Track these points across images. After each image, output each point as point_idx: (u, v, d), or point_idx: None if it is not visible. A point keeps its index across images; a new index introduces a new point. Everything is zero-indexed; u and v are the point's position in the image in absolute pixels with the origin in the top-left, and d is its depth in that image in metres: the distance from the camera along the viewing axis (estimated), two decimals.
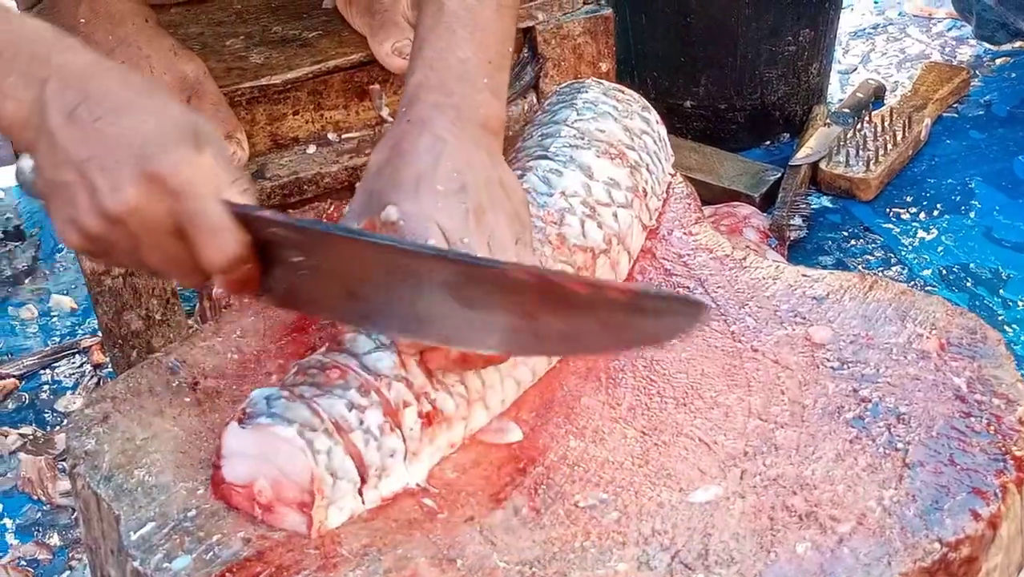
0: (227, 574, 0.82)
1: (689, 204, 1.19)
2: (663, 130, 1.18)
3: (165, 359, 1.01)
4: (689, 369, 0.99)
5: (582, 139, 1.07)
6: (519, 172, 1.04)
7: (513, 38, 1.04)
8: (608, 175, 1.06)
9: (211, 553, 0.84)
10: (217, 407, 0.97)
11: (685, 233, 1.14)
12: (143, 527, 0.86)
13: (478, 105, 0.97)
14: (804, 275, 1.08)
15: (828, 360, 0.99)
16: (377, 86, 1.41)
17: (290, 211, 1.23)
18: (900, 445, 0.90)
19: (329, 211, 1.19)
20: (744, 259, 1.11)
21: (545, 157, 1.05)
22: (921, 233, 1.75)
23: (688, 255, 1.12)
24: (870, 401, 0.94)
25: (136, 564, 0.84)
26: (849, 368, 0.98)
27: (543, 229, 0.99)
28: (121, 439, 0.93)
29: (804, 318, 1.03)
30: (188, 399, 0.98)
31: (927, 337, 0.99)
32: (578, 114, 1.10)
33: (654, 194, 1.12)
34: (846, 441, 0.91)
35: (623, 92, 1.16)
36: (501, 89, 1.00)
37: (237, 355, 1.02)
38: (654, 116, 1.17)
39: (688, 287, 1.08)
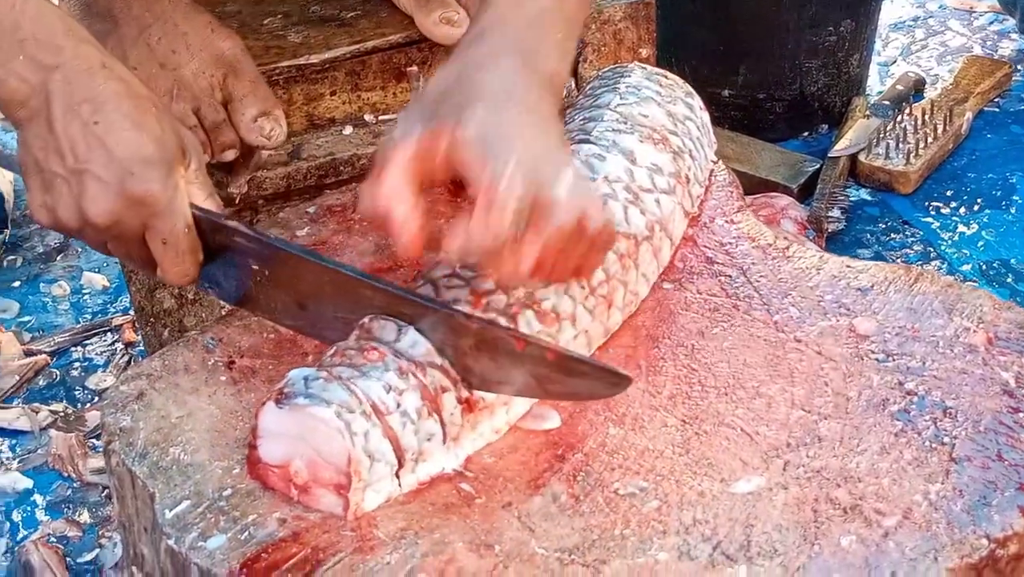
0: (262, 554, 0.81)
1: (731, 192, 1.17)
2: (707, 117, 1.16)
3: (201, 337, 1.01)
4: (731, 359, 0.97)
5: (625, 124, 1.05)
6: None
7: (588, 8, 1.00)
8: (651, 160, 1.04)
9: (246, 533, 0.83)
10: (253, 387, 0.96)
11: (727, 221, 1.13)
12: (178, 505, 0.85)
13: (548, 58, 0.93)
14: (848, 266, 1.07)
15: (873, 352, 0.97)
16: (415, 68, 1.40)
17: (321, 194, 1.21)
18: (947, 439, 0.88)
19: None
20: (787, 248, 1.09)
21: (587, 141, 1.04)
22: (961, 228, 1.73)
23: (730, 243, 1.10)
24: (916, 394, 0.93)
25: (170, 542, 0.83)
26: (894, 360, 0.96)
27: None
28: (156, 416, 0.93)
29: (848, 309, 1.02)
30: (224, 378, 0.97)
31: (974, 331, 0.98)
32: (621, 98, 1.08)
33: (696, 181, 1.11)
34: (891, 434, 0.89)
35: (667, 77, 1.14)
36: (570, 52, 0.97)
37: (273, 334, 1.01)
38: (698, 102, 1.15)
39: (730, 276, 1.06)
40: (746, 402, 0.93)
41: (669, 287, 1.05)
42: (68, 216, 0.91)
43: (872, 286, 1.04)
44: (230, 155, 1.26)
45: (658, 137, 1.06)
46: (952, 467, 0.85)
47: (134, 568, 0.93)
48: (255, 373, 0.97)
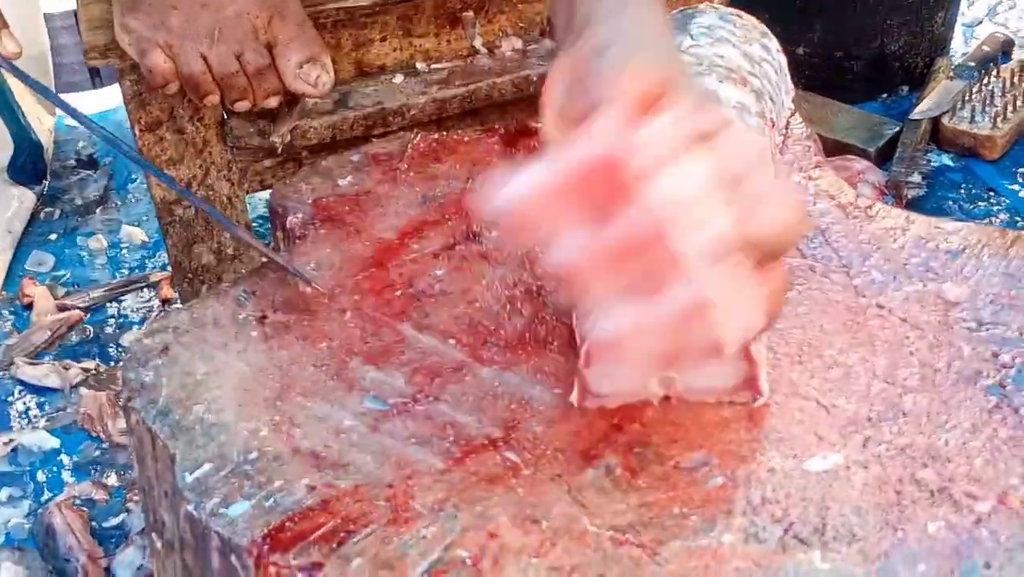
0: (287, 524, 0.74)
1: (809, 147, 1.08)
2: (784, 60, 1.08)
3: (232, 290, 0.94)
4: (806, 324, 0.89)
5: (700, 65, 0.97)
6: None
7: None
8: (736, 99, 0.95)
9: (271, 500, 0.76)
10: (285, 344, 0.89)
11: (805, 177, 1.04)
12: (199, 468, 0.79)
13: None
14: (937, 227, 0.98)
15: (964, 320, 0.88)
16: (471, 13, 1.32)
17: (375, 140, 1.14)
18: None
19: (415, 141, 1.11)
20: (870, 207, 1.00)
21: None
22: None
23: (808, 200, 1.01)
24: (1012, 367, 0.84)
25: (190, 508, 0.77)
26: (988, 330, 0.87)
27: None
28: (180, 373, 0.86)
29: (937, 273, 0.93)
30: (255, 333, 0.90)
31: None
32: (693, 39, 1.00)
33: (777, 127, 1.02)
34: (984, 410, 0.81)
35: (741, 17, 1.05)
36: None
37: (309, 289, 0.94)
38: (775, 44, 1.06)
39: (806, 235, 0.97)
40: (822, 372, 0.85)
41: None
42: None
43: (963, 249, 0.95)
44: (273, 102, 1.20)
45: (737, 77, 0.97)
46: None
47: (154, 535, 0.86)
48: (288, 329, 0.90)
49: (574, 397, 0.82)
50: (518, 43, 1.36)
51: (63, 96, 1.38)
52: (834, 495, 0.75)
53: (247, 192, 1.35)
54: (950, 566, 0.70)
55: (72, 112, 0.93)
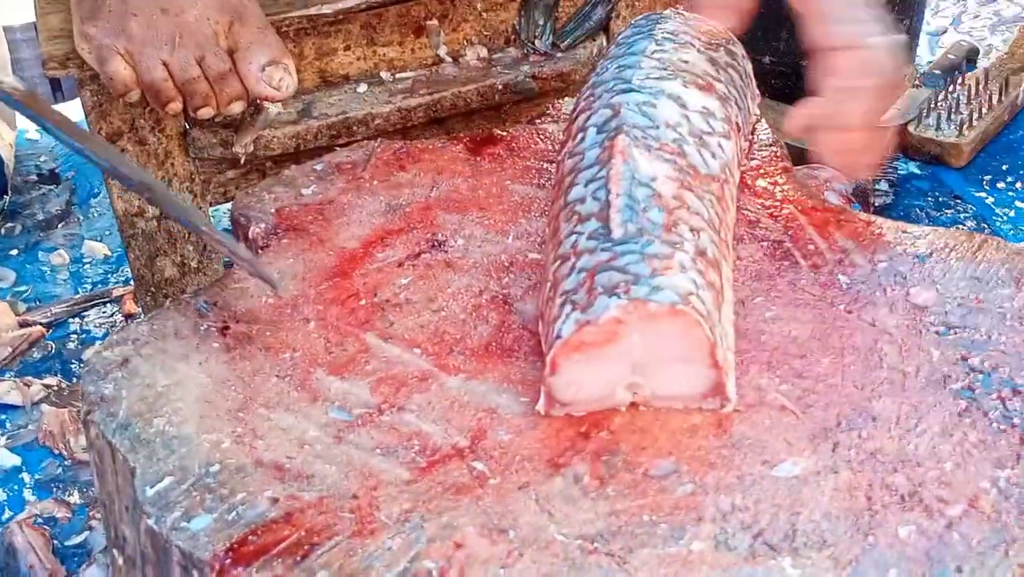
0: (250, 537, 0.73)
1: (775, 152, 1.08)
2: (749, 66, 1.07)
3: (193, 300, 0.92)
4: (774, 330, 0.88)
5: (664, 70, 0.96)
6: (606, 108, 0.92)
7: None
8: (702, 104, 0.94)
9: (234, 513, 0.75)
10: (248, 354, 0.88)
11: (771, 183, 1.04)
12: (160, 482, 0.77)
13: None
14: (904, 231, 0.97)
15: (932, 324, 0.88)
16: (435, 22, 1.31)
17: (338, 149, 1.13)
18: (1017, 420, 0.79)
19: (378, 149, 1.10)
20: (837, 212, 1.00)
21: (631, 90, 0.93)
22: (1019, 203, 1.63)
23: (774, 206, 1.01)
24: (981, 371, 0.83)
25: (151, 522, 0.75)
26: (957, 333, 0.87)
27: (673, 161, 0.88)
28: (141, 385, 0.85)
29: (904, 278, 0.92)
30: (216, 344, 0.89)
31: None
32: (657, 44, 0.99)
33: (743, 132, 1.01)
34: (954, 414, 0.80)
35: (705, 23, 1.05)
36: None
37: (272, 299, 0.93)
38: (740, 50, 1.06)
39: (775, 240, 0.97)
40: (791, 378, 0.84)
41: None
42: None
43: (931, 253, 0.94)
44: (237, 108, 1.18)
45: (702, 83, 0.96)
46: (1023, 451, 0.76)
47: (115, 551, 0.85)
48: (251, 340, 0.89)
49: (541, 405, 0.81)
50: (483, 51, 1.35)
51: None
52: (804, 501, 0.74)
53: (210, 204, 1.33)
54: (921, 571, 0.69)
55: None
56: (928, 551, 0.70)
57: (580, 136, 0.92)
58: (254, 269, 0.92)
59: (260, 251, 1.00)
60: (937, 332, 0.87)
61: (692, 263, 0.81)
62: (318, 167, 1.08)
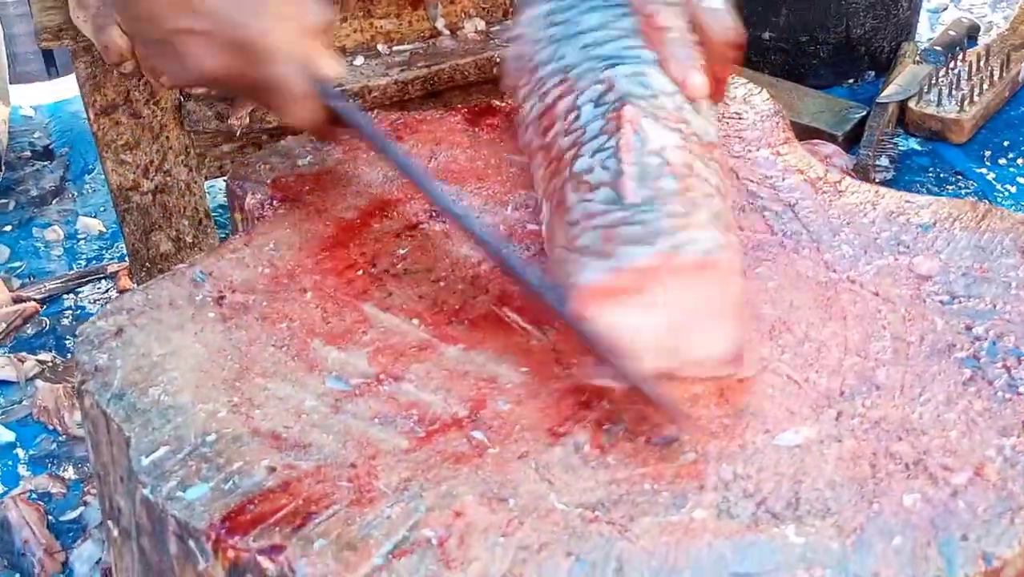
0: (247, 506, 0.72)
1: (777, 123, 1.07)
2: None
3: (189, 270, 0.91)
4: (777, 300, 0.87)
5: (629, 37, 0.91)
6: (597, 84, 0.88)
7: None
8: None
9: (230, 482, 0.74)
10: (244, 324, 0.86)
11: (773, 153, 1.02)
12: (155, 451, 0.76)
13: None
14: (907, 201, 0.96)
15: (936, 293, 0.87)
16: None
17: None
18: (1022, 388, 0.78)
19: (376, 120, 1.08)
20: (839, 182, 0.99)
21: (617, 63, 0.89)
22: (1020, 179, 1.62)
23: (775, 176, 1.00)
24: (985, 339, 0.82)
25: (146, 492, 0.74)
26: (960, 303, 0.86)
27: (679, 130, 0.85)
28: (136, 355, 0.83)
29: (908, 247, 0.91)
30: (212, 314, 0.87)
31: None
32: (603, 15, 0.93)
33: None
34: (958, 383, 0.79)
35: None
36: None
37: (269, 269, 0.92)
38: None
39: (775, 211, 0.96)
40: (794, 347, 0.83)
41: None
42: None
43: (935, 223, 0.94)
44: None
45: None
46: None
47: (110, 523, 0.84)
48: (247, 309, 0.88)
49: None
50: (481, 24, 1.34)
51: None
52: (807, 469, 0.73)
53: (206, 178, 1.32)
54: (926, 538, 0.68)
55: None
56: (933, 519, 0.69)
57: (573, 116, 0.88)
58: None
59: (256, 221, 0.98)
60: (941, 301, 0.86)
61: (712, 223, 0.79)
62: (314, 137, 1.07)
